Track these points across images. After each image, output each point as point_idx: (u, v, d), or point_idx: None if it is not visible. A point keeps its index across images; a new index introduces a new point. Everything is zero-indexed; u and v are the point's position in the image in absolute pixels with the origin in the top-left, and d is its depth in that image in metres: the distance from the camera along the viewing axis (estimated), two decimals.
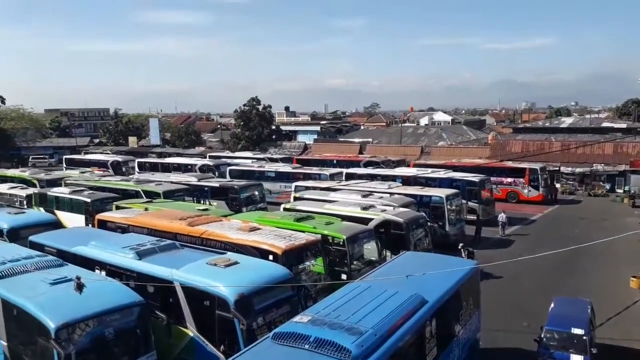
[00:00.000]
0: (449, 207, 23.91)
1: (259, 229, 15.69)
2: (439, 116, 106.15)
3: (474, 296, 12.25)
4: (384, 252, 17.27)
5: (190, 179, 31.29)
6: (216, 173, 38.78)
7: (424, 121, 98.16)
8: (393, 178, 31.06)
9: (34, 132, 70.67)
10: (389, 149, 55.50)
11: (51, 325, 8.85)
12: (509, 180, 36.54)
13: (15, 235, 17.26)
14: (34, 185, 31.55)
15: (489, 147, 49.65)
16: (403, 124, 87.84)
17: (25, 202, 26.97)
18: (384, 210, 19.55)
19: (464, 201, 26.39)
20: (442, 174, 30.69)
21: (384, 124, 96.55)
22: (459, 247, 19.98)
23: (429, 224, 20.36)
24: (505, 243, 24.99)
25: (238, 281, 10.55)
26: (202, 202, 27.07)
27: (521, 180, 36.12)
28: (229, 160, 45.39)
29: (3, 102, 63.47)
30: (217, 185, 29.88)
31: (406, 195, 23.92)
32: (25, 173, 36.13)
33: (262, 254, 13.76)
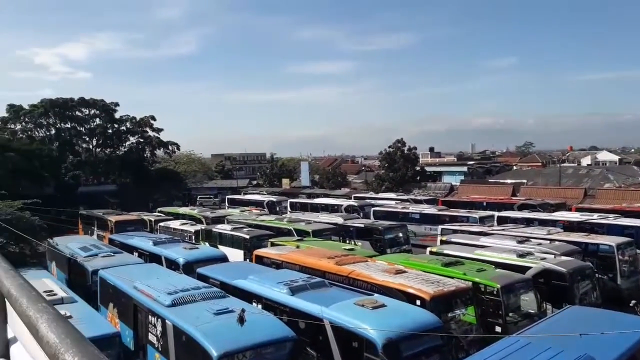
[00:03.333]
0: (620, 257, 21.14)
1: (405, 272, 15.47)
2: (604, 155, 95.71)
3: None
4: (544, 305, 15.78)
5: (337, 219, 32.23)
6: (361, 214, 39.37)
7: (585, 161, 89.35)
8: (552, 223, 28.56)
9: (202, 174, 79.19)
10: (546, 191, 51.31)
11: (214, 353, 9.60)
12: None
13: (189, 268, 19.08)
14: (201, 222, 35.05)
15: None
16: (562, 164, 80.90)
17: (193, 237, 30.06)
18: (543, 259, 17.96)
19: (638, 251, 23.16)
20: (611, 219, 27.44)
21: (540, 164, 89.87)
22: (631, 305, 17.44)
23: (596, 275, 18.21)
24: None
25: (386, 324, 10.45)
26: (347, 241, 27.62)
27: None
28: (373, 202, 45.86)
29: (178, 148, 72.51)
30: (362, 225, 30.29)
31: (569, 242, 21.73)
32: (194, 211, 40.40)
33: (409, 298, 13.48)
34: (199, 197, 69.73)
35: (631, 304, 17.37)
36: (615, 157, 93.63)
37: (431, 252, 20.45)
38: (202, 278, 16.21)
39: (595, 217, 28.54)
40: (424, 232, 34.15)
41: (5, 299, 1.70)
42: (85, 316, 12.41)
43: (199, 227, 31.34)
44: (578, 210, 35.68)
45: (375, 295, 13.12)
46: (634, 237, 23.67)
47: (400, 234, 29.32)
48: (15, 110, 60.15)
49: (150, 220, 35.83)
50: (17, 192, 34.00)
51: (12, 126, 61.00)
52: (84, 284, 18.41)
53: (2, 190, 26.10)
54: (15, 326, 1.82)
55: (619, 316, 12.25)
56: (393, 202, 45.04)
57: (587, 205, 40.84)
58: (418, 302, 13.17)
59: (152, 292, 13.05)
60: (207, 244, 27.92)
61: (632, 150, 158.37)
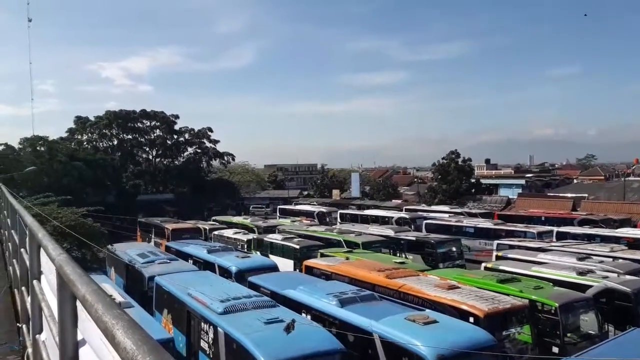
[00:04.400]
0: None
1: (458, 287, 15.11)
2: None
3: None
4: (606, 326, 14.97)
5: (388, 231, 31.91)
6: (412, 226, 38.78)
7: None
8: (616, 240, 27.12)
9: (255, 184, 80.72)
10: (609, 206, 48.75)
11: None
12: None
13: (241, 277, 19.43)
14: (253, 231, 35.67)
15: None
16: (627, 178, 76.69)
17: (245, 246, 30.60)
18: (605, 277, 17.07)
19: None
20: None
21: (602, 177, 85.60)
22: None
23: None
24: None
25: (438, 341, 10.23)
26: (398, 254, 27.26)
27: None
28: (425, 214, 45.10)
29: (233, 159, 74.38)
30: (413, 238, 29.85)
31: (634, 260, 20.57)
32: (247, 220, 41.17)
33: (462, 314, 13.15)
34: (251, 206, 71.03)
35: None
36: None
37: (486, 268, 19.91)
38: (254, 287, 16.46)
39: None
40: (478, 247, 33.23)
41: (78, 303, 1.78)
42: (140, 321, 12.71)
43: (251, 236, 31.90)
44: None
45: (427, 310, 12.89)
46: None
47: (454, 248, 28.68)
48: (82, 122, 63.85)
49: (205, 229, 36.74)
50: (81, 198, 35.89)
51: (79, 137, 64.67)
52: (141, 289, 19.11)
53: (68, 196, 27.55)
54: (85, 330, 1.92)
55: None
56: (446, 215, 44.16)
57: None
58: (471, 319, 12.83)
59: (205, 300, 13.36)
60: (258, 253, 28.34)
61: None
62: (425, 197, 68.28)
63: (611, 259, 20.70)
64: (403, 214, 44.87)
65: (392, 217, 42.79)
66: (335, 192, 75.67)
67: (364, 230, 32.32)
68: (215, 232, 34.60)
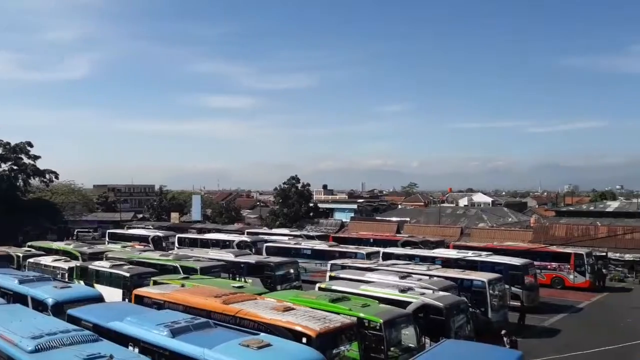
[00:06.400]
0: (491, 292, 22.93)
1: (293, 309, 15.40)
2: (479, 197, 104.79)
3: None
4: (423, 339, 16.52)
5: (228, 255, 31.43)
6: (253, 249, 38.88)
7: (463, 202, 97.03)
8: (432, 259, 30.34)
9: (81, 206, 73.61)
10: (427, 229, 54.62)
11: None
12: (554, 265, 35.00)
13: (59, 310, 17.38)
14: (76, 258, 32.35)
15: (531, 230, 48.16)
16: (442, 204, 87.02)
17: (67, 275, 27.57)
18: (423, 294, 18.91)
19: (506, 286, 25.32)
20: (483, 256, 29.77)
21: (422, 203, 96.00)
22: (502, 333, 18.98)
23: (470, 309, 19.52)
24: (550, 332, 23.53)
25: None
26: (238, 279, 27.00)
27: (566, 265, 34.52)
28: (266, 237, 45.59)
29: (56, 177, 66.73)
30: (253, 262, 29.87)
31: (446, 278, 23.18)
32: (70, 246, 37.24)
33: (296, 335, 13.41)
34: (76, 230, 64.78)
35: (502, 333, 18.93)
36: (489, 199, 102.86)
37: (320, 288, 20.62)
38: (74, 320, 14.84)
39: (470, 255, 30.84)
40: (315, 268, 34.45)
41: None
42: None
43: (73, 263, 28.88)
44: (455, 247, 38.39)
45: (262, 334, 12.86)
46: (502, 274, 25.89)
47: (291, 270, 29.34)
48: None
49: (18, 256, 32.53)
50: None
51: None
52: None
53: None
54: None
55: (490, 349, 13.21)
56: (286, 238, 45.13)
57: (463, 243, 44.11)
58: (304, 340, 13.14)
59: (12, 337, 11.67)
60: (82, 282, 25.77)
61: (504, 193, 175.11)
62: (267, 220, 69.26)
63: (428, 277, 23.04)
64: (244, 238, 44.74)
65: (233, 241, 42.39)
66: (174, 215, 72.63)
67: (204, 254, 31.40)
68: (31, 260, 30.73)
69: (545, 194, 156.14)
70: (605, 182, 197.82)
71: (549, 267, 34.88)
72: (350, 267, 27.02)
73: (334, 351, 13.68)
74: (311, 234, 51.20)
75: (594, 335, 21.20)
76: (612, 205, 55.71)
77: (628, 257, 39.58)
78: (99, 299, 19.15)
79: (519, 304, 25.25)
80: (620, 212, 50.99)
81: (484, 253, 31.01)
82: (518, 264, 28.32)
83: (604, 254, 39.31)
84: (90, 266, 26.96)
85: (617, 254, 39.98)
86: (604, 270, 37.76)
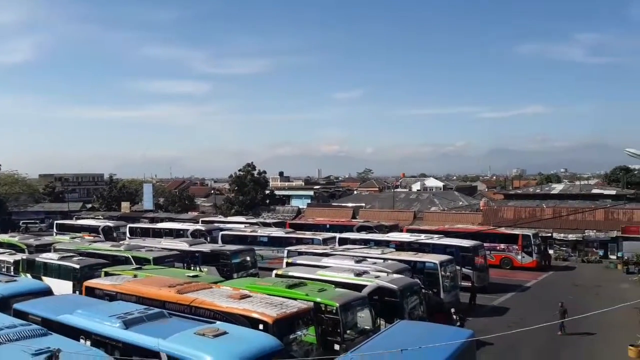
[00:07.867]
0: (443, 273, 23.66)
1: (249, 296, 15.38)
2: (431, 182, 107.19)
3: None
4: (378, 320, 16.88)
5: (182, 244, 30.94)
6: (208, 238, 38.44)
7: (415, 187, 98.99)
8: (386, 243, 30.92)
9: (26, 197, 70.47)
10: (381, 213, 55.60)
11: None
12: (502, 246, 36.46)
13: (5, 304, 16.63)
14: (22, 251, 31.09)
15: (481, 213, 49.88)
16: (395, 189, 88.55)
17: (12, 269, 26.45)
18: (377, 277, 19.28)
19: (458, 267, 26.16)
20: (435, 239, 30.58)
21: (377, 189, 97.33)
22: (452, 312, 19.68)
23: (423, 291, 20.07)
24: (499, 311, 24.56)
25: (226, 352, 10.24)
26: (192, 268, 26.64)
27: (514, 246, 36.04)
28: (221, 225, 45.15)
29: None
30: (208, 250, 29.54)
31: (400, 261, 23.71)
32: (15, 238, 35.71)
33: (253, 323, 13.42)
34: (22, 222, 62.09)
35: (452, 312, 19.64)
36: (441, 184, 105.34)
37: (277, 275, 20.67)
38: (20, 315, 14.30)
39: (422, 237, 31.61)
40: (271, 255, 34.51)
41: None
42: None
43: (19, 256, 27.71)
44: (408, 231, 39.27)
45: (218, 323, 12.79)
46: (454, 255, 26.72)
47: (248, 258, 29.23)
48: None
49: None
50: None
51: None
52: None
53: None
54: None
55: (441, 328, 13.68)
56: (242, 226, 44.83)
57: (416, 226, 45.20)
58: (261, 327, 13.17)
59: None
60: (29, 275, 24.79)
61: (454, 177, 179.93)
62: (222, 208, 68.47)
63: (382, 260, 23.50)
64: (199, 226, 44.17)
65: (188, 230, 41.78)
66: (125, 205, 70.69)
67: (157, 244, 30.77)
68: None
69: (495, 177, 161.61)
70: (551, 165, 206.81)
71: (498, 248, 36.31)
72: (306, 253, 27.20)
73: (291, 336, 13.78)
74: (268, 221, 51.12)
75: (540, 312, 22.25)
76: (557, 188, 58.22)
77: (571, 237, 41.72)
78: (48, 292, 18.51)
79: (470, 284, 26.18)
80: (564, 194, 53.41)
81: (435, 236, 31.86)
82: (468, 245, 29.30)
83: (550, 234, 41.28)
84: (37, 259, 25.95)
85: (562, 234, 42.06)
86: (549, 250, 39.66)
